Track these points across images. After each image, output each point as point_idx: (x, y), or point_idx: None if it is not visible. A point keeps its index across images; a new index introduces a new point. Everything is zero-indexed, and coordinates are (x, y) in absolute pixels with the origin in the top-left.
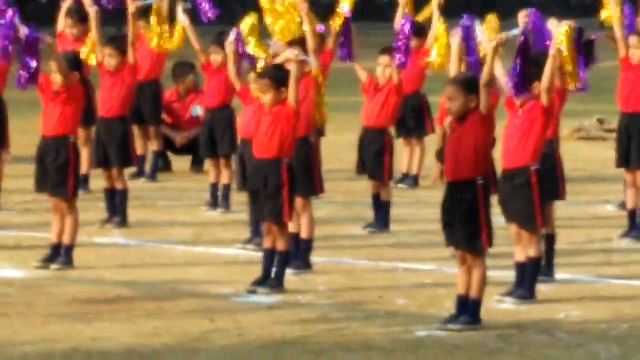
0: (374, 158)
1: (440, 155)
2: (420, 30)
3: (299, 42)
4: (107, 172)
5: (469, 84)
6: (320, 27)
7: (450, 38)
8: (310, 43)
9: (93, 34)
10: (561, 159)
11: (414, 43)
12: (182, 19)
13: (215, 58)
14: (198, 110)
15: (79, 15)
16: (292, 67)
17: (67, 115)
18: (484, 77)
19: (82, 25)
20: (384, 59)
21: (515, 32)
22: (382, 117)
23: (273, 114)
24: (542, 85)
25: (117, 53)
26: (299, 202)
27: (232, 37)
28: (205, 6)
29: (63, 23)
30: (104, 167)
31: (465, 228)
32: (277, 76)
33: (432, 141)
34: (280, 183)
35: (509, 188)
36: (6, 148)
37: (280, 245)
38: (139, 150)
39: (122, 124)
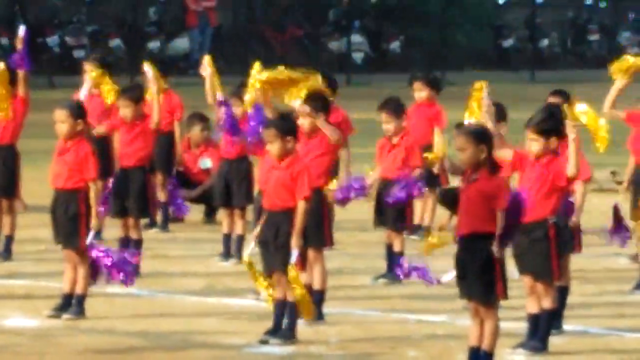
0: (396, 209)
1: (442, 198)
2: (434, 82)
3: (314, 97)
4: (123, 221)
5: (479, 134)
6: None
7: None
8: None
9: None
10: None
11: (425, 94)
12: (205, 69)
13: (234, 109)
14: (207, 163)
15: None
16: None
17: (76, 168)
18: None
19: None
20: (382, 116)
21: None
22: (403, 170)
23: (282, 167)
24: (569, 173)
25: (131, 103)
26: (310, 253)
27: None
28: None
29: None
30: (121, 217)
31: (480, 281)
32: (283, 125)
33: None
34: (290, 234)
35: (526, 241)
36: (17, 198)
37: (291, 296)
38: None
39: (141, 174)
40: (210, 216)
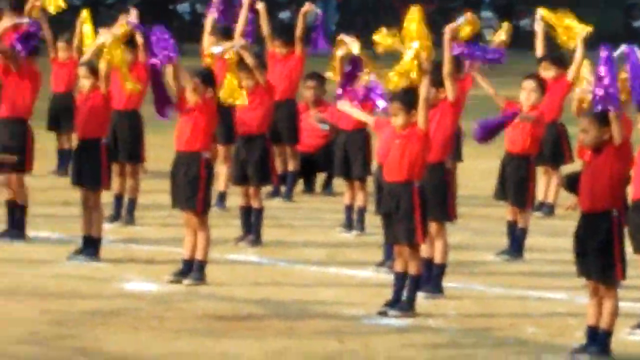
0: (517, 185)
1: (567, 183)
2: (561, 60)
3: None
4: (244, 190)
5: (602, 117)
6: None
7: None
8: (447, 68)
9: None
10: None
11: (552, 72)
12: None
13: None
14: (325, 126)
15: (223, 32)
16: (421, 90)
17: (199, 131)
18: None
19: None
20: (529, 84)
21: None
22: (528, 144)
23: (403, 136)
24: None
25: (250, 74)
26: (433, 226)
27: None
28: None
29: (207, 40)
30: (242, 185)
31: (599, 259)
32: (407, 99)
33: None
34: (412, 206)
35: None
36: (142, 162)
37: (412, 269)
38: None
39: (262, 142)
40: (328, 190)
